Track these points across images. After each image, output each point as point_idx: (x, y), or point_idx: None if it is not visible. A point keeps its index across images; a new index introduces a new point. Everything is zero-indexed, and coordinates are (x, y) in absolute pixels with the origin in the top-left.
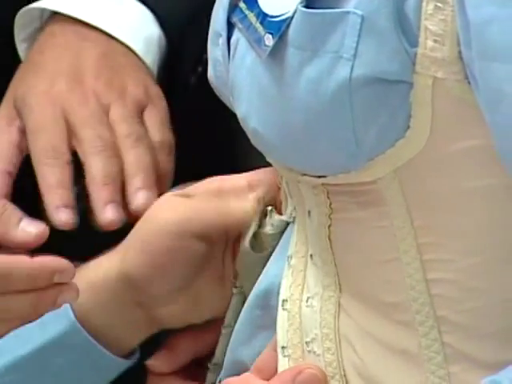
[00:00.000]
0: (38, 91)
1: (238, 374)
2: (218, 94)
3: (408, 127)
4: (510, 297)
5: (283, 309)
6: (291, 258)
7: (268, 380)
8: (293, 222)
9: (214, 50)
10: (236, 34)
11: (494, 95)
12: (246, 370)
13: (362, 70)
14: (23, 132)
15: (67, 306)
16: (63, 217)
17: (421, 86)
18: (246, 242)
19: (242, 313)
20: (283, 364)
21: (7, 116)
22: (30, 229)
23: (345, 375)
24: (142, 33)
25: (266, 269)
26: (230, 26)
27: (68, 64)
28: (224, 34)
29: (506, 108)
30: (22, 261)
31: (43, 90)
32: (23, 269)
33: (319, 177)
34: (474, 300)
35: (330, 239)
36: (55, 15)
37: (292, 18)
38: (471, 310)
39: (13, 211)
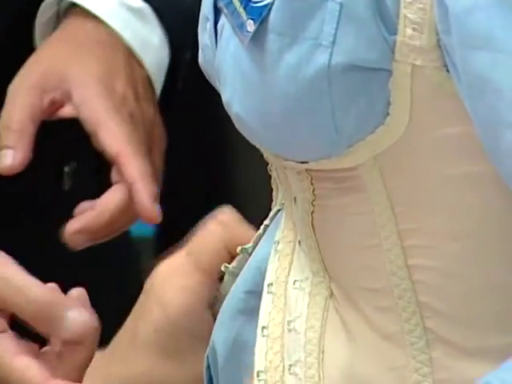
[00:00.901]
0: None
1: (213, 355)
2: (207, 77)
3: (387, 114)
4: (491, 283)
5: (268, 292)
6: (278, 243)
7: None
8: (282, 208)
9: (203, 34)
10: (222, 19)
11: (475, 83)
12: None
13: (340, 57)
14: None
15: None
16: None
17: (400, 73)
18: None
19: (229, 293)
20: (261, 343)
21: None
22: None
23: (323, 351)
24: (159, 58)
25: (253, 254)
26: (217, 11)
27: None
28: (211, 18)
29: (490, 95)
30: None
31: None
32: None
33: (302, 162)
34: (456, 286)
35: (313, 226)
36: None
37: (273, 3)
38: (453, 297)
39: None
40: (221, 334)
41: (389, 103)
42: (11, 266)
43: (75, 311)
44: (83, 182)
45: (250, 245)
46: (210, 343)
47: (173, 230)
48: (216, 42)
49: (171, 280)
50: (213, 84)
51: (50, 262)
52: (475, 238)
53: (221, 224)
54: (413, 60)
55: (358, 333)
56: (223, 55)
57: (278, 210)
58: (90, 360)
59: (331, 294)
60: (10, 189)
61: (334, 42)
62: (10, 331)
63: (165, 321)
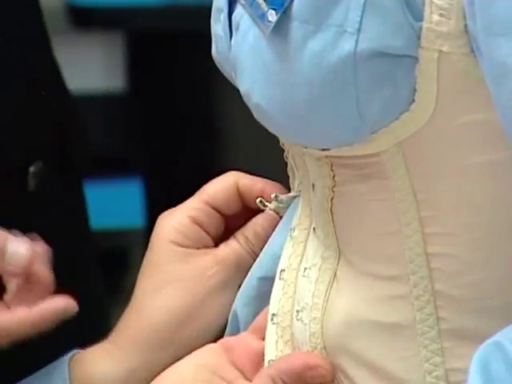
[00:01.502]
0: None
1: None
2: (221, 69)
3: (413, 101)
4: (509, 272)
5: (280, 278)
6: (294, 230)
7: (264, 339)
8: (299, 195)
9: (216, 26)
10: (238, 10)
11: (498, 69)
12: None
13: (366, 44)
14: None
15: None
16: None
17: (426, 60)
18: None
19: (246, 278)
20: (271, 331)
21: None
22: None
23: (324, 347)
24: None
25: (270, 240)
26: (232, 2)
27: None
28: (225, 9)
29: (509, 85)
30: (22, 316)
31: None
32: (24, 324)
33: (323, 149)
34: (474, 274)
35: (331, 212)
36: None
37: None
38: (470, 284)
39: None
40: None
41: (414, 90)
42: None
43: (15, 243)
44: (48, 183)
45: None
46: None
47: None
48: (231, 33)
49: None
50: (226, 75)
51: None
52: (496, 226)
53: (232, 174)
54: (439, 46)
55: (359, 322)
56: (241, 46)
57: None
58: (48, 290)
59: (333, 282)
60: None
61: (359, 29)
62: None
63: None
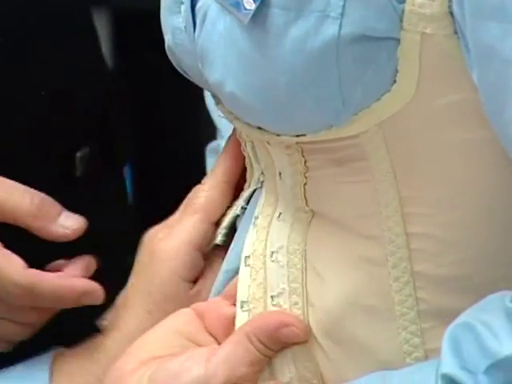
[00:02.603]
0: None
1: None
2: (174, 63)
3: (394, 82)
4: (489, 251)
5: (246, 265)
6: (257, 218)
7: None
8: (260, 186)
9: (173, 18)
10: (202, 1)
11: (485, 52)
12: None
13: (349, 28)
14: None
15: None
16: None
17: (408, 42)
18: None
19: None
20: (242, 319)
21: None
22: (69, 223)
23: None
24: None
25: (235, 236)
26: None
27: None
28: (187, 1)
29: (498, 64)
30: (51, 279)
31: None
32: (51, 286)
33: (297, 136)
34: (454, 254)
35: (305, 197)
36: None
37: None
38: (450, 264)
39: (52, 205)
40: None
41: (396, 71)
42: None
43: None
44: (95, 169)
45: (223, 231)
46: None
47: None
48: (194, 25)
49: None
50: (178, 68)
51: (59, 249)
52: (474, 206)
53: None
54: (422, 28)
55: (339, 303)
56: (210, 36)
57: (254, 191)
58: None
59: (306, 265)
60: (22, 176)
61: (342, 14)
62: None
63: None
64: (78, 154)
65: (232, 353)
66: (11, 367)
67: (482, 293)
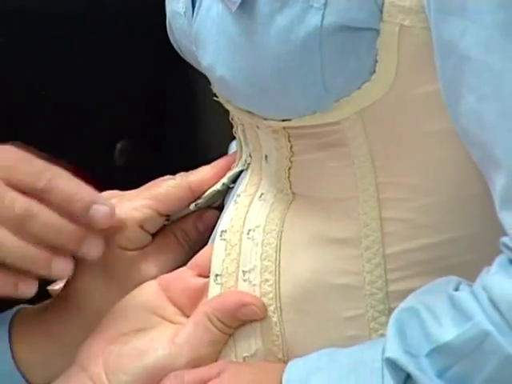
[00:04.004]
0: None
1: None
2: (175, 46)
3: (374, 71)
4: (460, 235)
5: (221, 239)
6: (239, 196)
7: (202, 276)
8: (246, 168)
9: (174, 4)
10: None
11: (445, 45)
12: None
13: (332, 18)
14: None
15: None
16: None
17: (387, 33)
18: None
19: None
20: (215, 291)
21: None
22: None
23: (280, 307)
24: None
25: (222, 213)
26: None
27: None
28: None
29: (456, 59)
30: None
31: None
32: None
33: (283, 120)
34: (425, 238)
35: (289, 180)
36: None
37: None
38: (421, 248)
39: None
40: None
41: (376, 61)
42: None
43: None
44: (138, 158)
45: (200, 201)
46: None
47: None
48: (193, 10)
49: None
50: (179, 51)
51: None
52: (445, 192)
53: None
54: (401, 20)
55: (310, 281)
56: (203, 22)
57: (241, 172)
58: None
59: (281, 245)
60: (72, 163)
61: (325, 4)
62: None
63: None
64: (118, 146)
65: (194, 334)
66: None
67: (451, 275)
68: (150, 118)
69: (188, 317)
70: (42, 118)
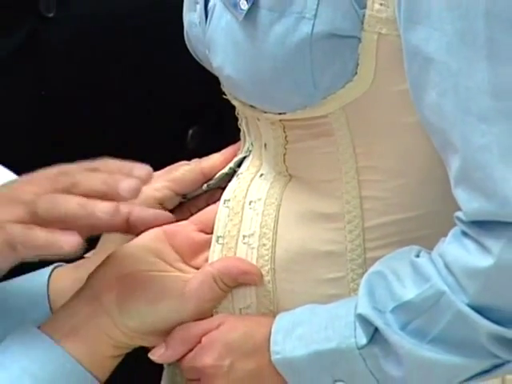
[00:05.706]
0: None
1: None
2: (191, 51)
3: (356, 73)
4: (427, 211)
5: (225, 206)
6: (242, 173)
7: (204, 232)
8: (248, 155)
9: (190, 14)
10: (213, 1)
11: (412, 50)
12: None
13: (321, 27)
14: None
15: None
16: None
17: (367, 40)
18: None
19: None
20: (216, 249)
21: None
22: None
23: (274, 268)
24: None
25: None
26: None
27: None
28: (201, 1)
29: (422, 60)
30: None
31: None
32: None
33: (279, 114)
34: (399, 213)
35: (285, 165)
36: None
37: None
38: (396, 222)
39: None
40: None
41: (357, 64)
42: None
43: None
44: (205, 142)
45: (211, 182)
46: None
47: None
48: (206, 20)
49: None
50: (195, 56)
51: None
52: (414, 175)
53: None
54: (379, 29)
55: (301, 248)
56: (215, 29)
57: (244, 158)
58: None
59: (278, 216)
60: (146, 149)
61: (315, 15)
62: None
63: None
64: (190, 131)
65: (200, 290)
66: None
67: (421, 245)
68: (216, 108)
69: (188, 264)
70: (130, 108)
